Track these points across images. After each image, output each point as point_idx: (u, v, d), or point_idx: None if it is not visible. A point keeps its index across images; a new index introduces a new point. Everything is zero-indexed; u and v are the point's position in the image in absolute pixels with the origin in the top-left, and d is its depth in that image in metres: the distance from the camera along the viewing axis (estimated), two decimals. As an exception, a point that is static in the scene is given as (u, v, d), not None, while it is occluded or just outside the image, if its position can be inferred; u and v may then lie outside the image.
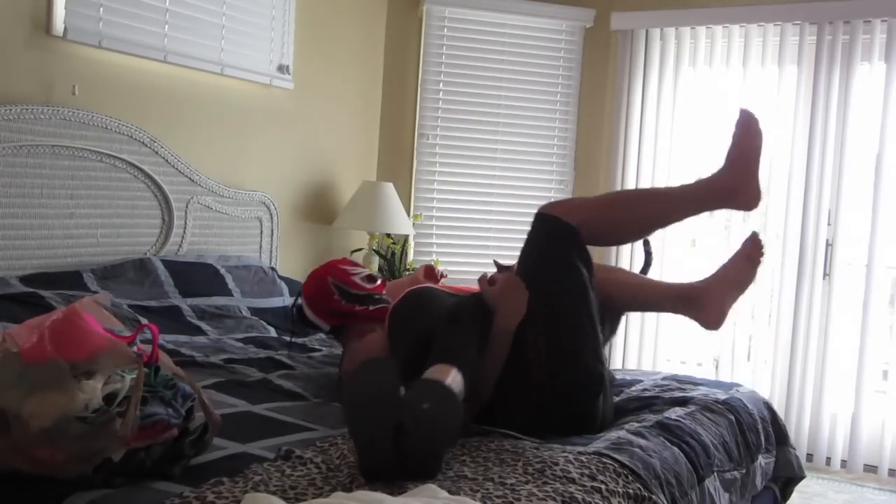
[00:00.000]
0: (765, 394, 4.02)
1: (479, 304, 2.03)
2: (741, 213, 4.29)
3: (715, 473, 2.06)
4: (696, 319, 2.13)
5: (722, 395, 2.47)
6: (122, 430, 1.42)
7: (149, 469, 1.49)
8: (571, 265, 2.05)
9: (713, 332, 2.19)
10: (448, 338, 1.87)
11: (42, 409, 1.40)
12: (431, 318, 2.04)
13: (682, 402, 2.34)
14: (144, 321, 2.78)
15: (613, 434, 1.94)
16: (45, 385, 1.43)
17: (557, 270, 2.07)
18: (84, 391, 1.44)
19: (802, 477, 2.69)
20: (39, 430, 1.40)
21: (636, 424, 2.06)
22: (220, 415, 1.97)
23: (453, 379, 1.72)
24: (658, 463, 1.81)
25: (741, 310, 4.29)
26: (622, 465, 1.71)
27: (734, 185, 2.11)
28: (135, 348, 1.61)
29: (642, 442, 1.90)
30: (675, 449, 1.94)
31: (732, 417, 2.36)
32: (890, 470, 3.93)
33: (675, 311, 2.19)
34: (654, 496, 1.66)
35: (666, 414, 2.17)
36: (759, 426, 2.47)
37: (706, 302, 2.11)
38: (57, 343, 1.48)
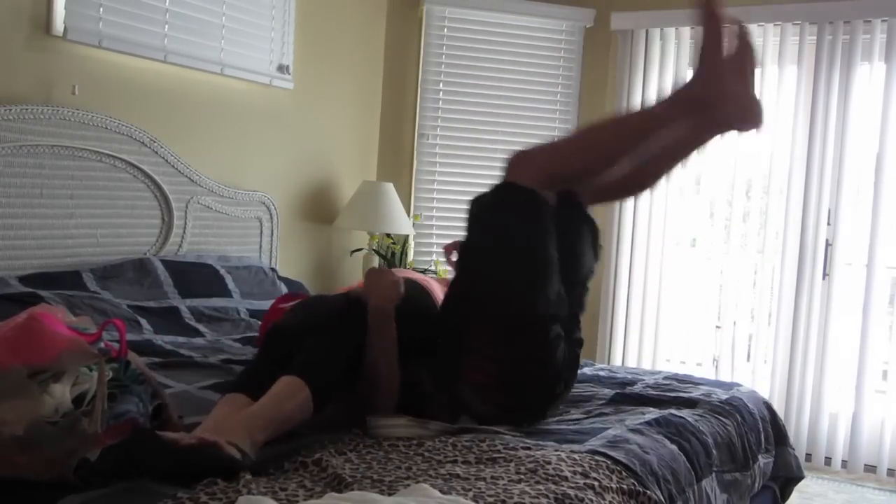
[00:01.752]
0: (765, 394, 4.02)
1: (344, 306, 2.03)
2: (741, 212, 4.29)
3: (714, 474, 2.06)
4: (732, 122, 1.89)
5: (724, 395, 2.47)
6: (91, 427, 1.42)
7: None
8: (503, 231, 1.95)
9: (758, 130, 1.95)
10: (302, 354, 1.87)
11: (13, 417, 1.40)
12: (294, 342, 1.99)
13: (689, 402, 2.33)
14: (145, 321, 2.79)
15: (611, 432, 1.94)
16: (8, 393, 1.43)
17: (487, 241, 1.97)
18: (53, 395, 1.44)
19: (801, 477, 2.69)
20: (12, 438, 1.40)
21: (635, 421, 2.05)
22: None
23: (291, 392, 1.72)
24: (655, 459, 1.81)
25: (740, 309, 4.29)
26: (616, 461, 1.71)
27: (706, 95, 1.87)
28: (102, 345, 1.61)
29: (639, 439, 1.90)
30: (674, 447, 1.94)
31: (739, 417, 2.36)
32: (889, 470, 3.93)
33: (696, 125, 1.90)
34: (649, 491, 1.66)
35: (671, 411, 2.17)
36: (760, 426, 2.48)
37: (715, 95, 1.86)
38: (15, 350, 1.48)
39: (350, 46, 4.29)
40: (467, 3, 4.50)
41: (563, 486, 1.52)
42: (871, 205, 3.97)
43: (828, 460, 4.04)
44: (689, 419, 2.14)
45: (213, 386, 2.24)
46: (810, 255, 4.08)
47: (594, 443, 1.84)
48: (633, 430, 1.96)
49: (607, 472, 1.64)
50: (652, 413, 2.15)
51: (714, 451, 2.09)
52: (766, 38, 4.20)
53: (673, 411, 2.18)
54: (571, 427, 2.01)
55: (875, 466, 3.96)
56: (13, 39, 2.80)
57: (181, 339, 2.78)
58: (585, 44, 4.62)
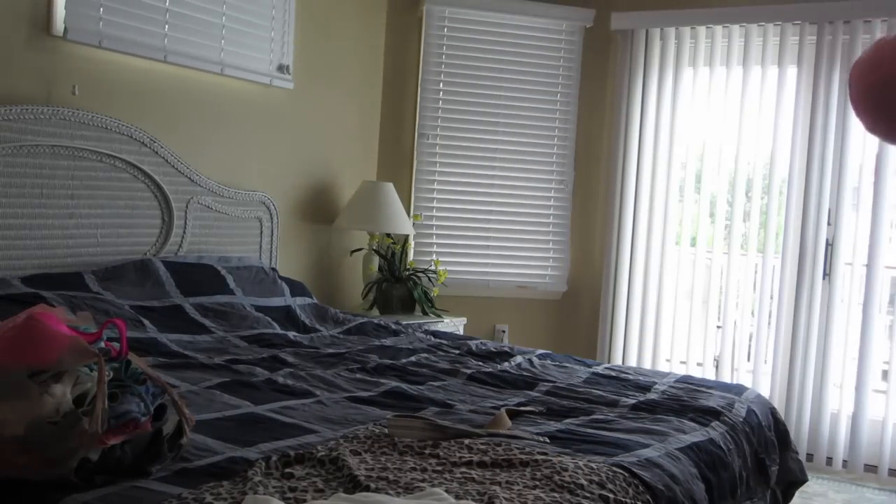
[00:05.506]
0: (765, 394, 4.03)
1: None
2: (741, 212, 4.29)
3: None
4: None
5: (741, 408, 2.46)
6: (91, 427, 1.42)
7: (127, 466, 1.49)
8: None
9: None
10: None
11: (13, 417, 1.40)
12: None
13: (712, 412, 2.33)
14: (148, 321, 2.78)
15: (642, 452, 1.90)
16: (8, 393, 1.42)
17: None
18: (53, 395, 1.43)
19: (804, 481, 2.68)
20: (13, 438, 1.39)
21: (674, 445, 2.01)
22: (224, 416, 1.97)
23: None
24: (678, 490, 1.78)
25: (741, 309, 4.29)
26: (633, 474, 1.69)
27: None
28: (102, 344, 1.60)
29: (672, 468, 1.85)
30: (703, 485, 1.91)
31: (755, 438, 2.36)
32: (890, 470, 3.93)
33: None
34: None
35: (711, 437, 2.15)
36: (766, 437, 2.48)
37: None
38: (15, 350, 1.47)
39: (350, 46, 4.28)
40: (467, 3, 4.49)
41: (577, 494, 1.52)
42: (871, 205, 3.97)
43: (829, 460, 4.04)
44: (724, 448, 2.12)
45: (219, 386, 2.24)
46: (810, 255, 4.08)
47: (621, 458, 1.80)
48: (670, 455, 1.91)
49: (623, 485, 1.63)
50: (693, 435, 2.11)
51: (738, 489, 2.07)
52: (766, 38, 4.20)
53: (714, 437, 2.14)
54: (611, 436, 2.00)
55: (875, 466, 3.96)
56: (13, 39, 2.80)
57: (186, 338, 2.77)
58: (585, 44, 4.62)
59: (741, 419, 2.38)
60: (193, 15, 3.36)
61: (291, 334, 3.06)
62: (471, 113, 4.56)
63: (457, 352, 3.04)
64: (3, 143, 2.70)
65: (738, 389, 2.71)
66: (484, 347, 3.13)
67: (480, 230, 4.61)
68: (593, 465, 1.68)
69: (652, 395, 2.51)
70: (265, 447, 1.72)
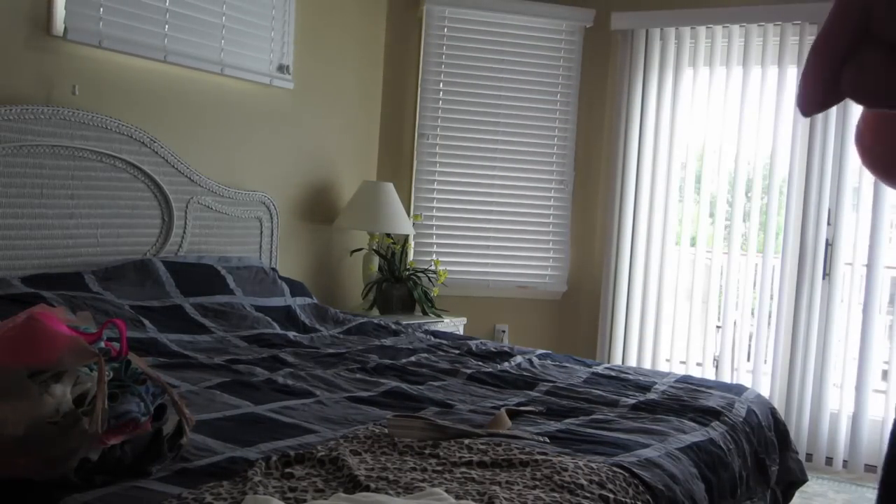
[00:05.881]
0: (765, 394, 4.03)
1: None
2: (741, 212, 4.29)
3: None
4: None
5: (741, 408, 2.47)
6: (91, 427, 1.42)
7: (127, 466, 1.49)
8: None
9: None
10: None
11: (13, 417, 1.40)
12: None
13: (712, 412, 2.34)
14: (148, 321, 2.79)
15: (642, 452, 1.90)
16: (8, 393, 1.42)
17: None
18: (53, 395, 1.43)
19: (804, 481, 2.68)
20: (13, 438, 1.39)
21: (674, 445, 2.00)
22: (224, 416, 1.97)
23: None
24: (678, 489, 1.78)
25: (741, 309, 4.29)
26: (633, 474, 1.69)
27: None
28: (102, 344, 1.60)
29: (672, 468, 1.85)
30: (703, 485, 1.91)
31: (755, 438, 2.36)
32: (890, 470, 3.92)
33: None
34: None
35: (711, 437, 2.15)
36: (766, 437, 2.48)
37: None
38: (15, 350, 1.47)
39: (350, 46, 4.29)
40: (467, 3, 4.49)
41: (577, 494, 1.52)
42: (872, 204, 3.97)
43: (829, 460, 4.04)
44: (724, 448, 2.12)
45: (219, 386, 2.24)
46: (810, 255, 4.08)
47: (621, 458, 1.80)
48: (670, 455, 1.91)
49: (623, 485, 1.63)
50: (693, 435, 2.11)
51: (738, 489, 2.08)
52: (765, 38, 4.20)
53: (714, 437, 2.15)
54: (611, 436, 2.00)
55: (875, 466, 3.96)
56: (13, 39, 2.80)
57: (186, 338, 2.77)
58: (585, 44, 4.62)
59: (741, 419, 2.38)
60: (193, 15, 3.36)
61: (291, 334, 3.06)
62: (471, 113, 4.57)
63: (457, 352, 3.04)
64: (3, 143, 2.70)
65: (738, 389, 2.72)
66: (484, 347, 3.13)
67: (480, 230, 4.61)
68: (593, 465, 1.68)
69: (652, 395, 2.52)
70: (265, 447, 1.72)
